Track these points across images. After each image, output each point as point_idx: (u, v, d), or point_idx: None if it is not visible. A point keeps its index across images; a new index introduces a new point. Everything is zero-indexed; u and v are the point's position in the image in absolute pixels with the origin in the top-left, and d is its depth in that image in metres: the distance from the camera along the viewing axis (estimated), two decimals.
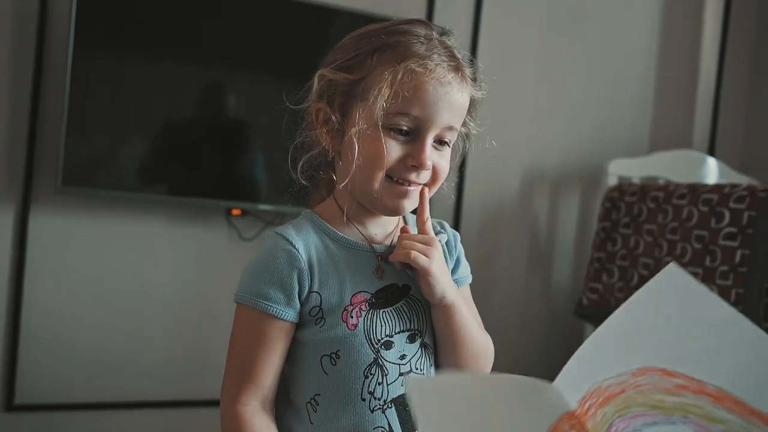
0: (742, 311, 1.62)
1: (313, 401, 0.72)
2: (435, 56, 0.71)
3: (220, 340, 2.05)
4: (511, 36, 2.18)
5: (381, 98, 0.68)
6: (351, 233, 0.75)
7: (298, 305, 0.71)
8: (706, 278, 1.61)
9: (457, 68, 0.73)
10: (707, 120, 2.46)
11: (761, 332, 0.47)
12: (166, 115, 1.72)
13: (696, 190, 1.75)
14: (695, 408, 0.48)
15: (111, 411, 1.80)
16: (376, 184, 0.71)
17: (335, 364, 0.71)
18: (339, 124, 0.73)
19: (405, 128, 0.71)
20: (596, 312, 1.95)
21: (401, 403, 0.71)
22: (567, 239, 2.28)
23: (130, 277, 1.81)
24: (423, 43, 0.71)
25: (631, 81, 2.37)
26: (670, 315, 0.49)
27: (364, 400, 0.70)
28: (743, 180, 2.23)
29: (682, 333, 0.49)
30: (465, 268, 0.84)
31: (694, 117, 2.44)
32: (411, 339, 0.73)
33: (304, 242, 0.72)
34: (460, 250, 0.84)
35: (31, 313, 1.72)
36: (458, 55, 0.74)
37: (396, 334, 0.72)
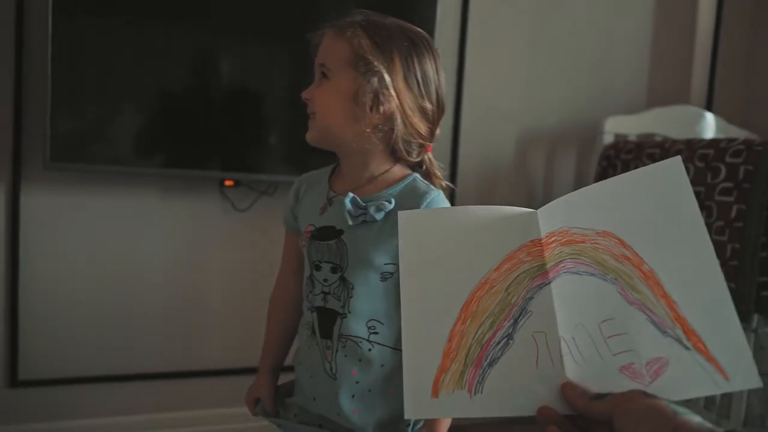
0: (737, 266, 1.62)
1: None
2: (332, 26, 0.91)
3: (216, 311, 2.07)
4: None
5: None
6: (334, 181, 0.97)
7: (292, 220, 1.00)
8: None
9: (336, 28, 0.90)
10: (705, 75, 2.42)
11: (713, 259, 0.57)
12: (155, 86, 1.69)
13: (692, 145, 1.73)
14: (626, 276, 0.59)
15: (111, 383, 1.82)
16: None
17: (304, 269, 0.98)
18: None
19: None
20: None
21: (322, 312, 0.93)
22: None
23: (125, 250, 1.80)
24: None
25: (628, 36, 2.33)
26: (651, 200, 0.60)
27: (305, 300, 0.96)
28: (742, 134, 2.21)
29: (650, 218, 0.59)
30: None
31: (691, 72, 2.40)
32: (333, 270, 0.92)
33: (308, 177, 1.01)
34: None
35: (28, 290, 1.73)
36: (346, 19, 0.91)
37: (323, 262, 0.93)
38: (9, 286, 1.71)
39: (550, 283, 0.61)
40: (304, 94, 0.91)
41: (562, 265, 0.61)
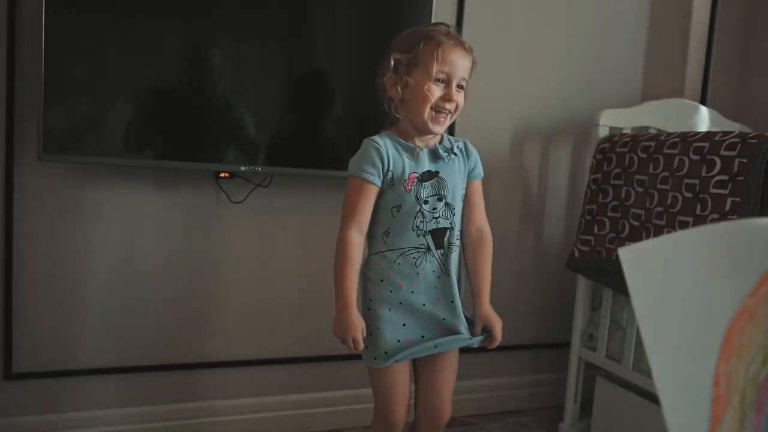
0: None
1: (386, 232, 1.33)
2: (452, 41, 1.30)
3: (213, 303, 2.06)
4: None
5: (434, 67, 1.27)
6: (408, 141, 1.34)
7: (382, 177, 1.30)
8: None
9: (462, 45, 1.32)
10: (699, 69, 2.43)
11: None
12: (149, 77, 1.68)
13: (687, 138, 1.74)
14: None
15: (105, 376, 1.82)
16: (426, 114, 1.29)
17: (399, 211, 1.30)
18: (404, 82, 1.30)
19: (442, 78, 1.29)
20: (588, 264, 1.95)
21: (435, 231, 1.31)
22: (559, 193, 2.28)
23: (119, 242, 1.80)
24: (445, 35, 1.30)
25: (623, 30, 2.33)
26: None
27: (413, 230, 1.30)
28: (736, 128, 2.21)
29: None
30: (479, 169, 1.41)
31: (686, 66, 2.41)
32: (439, 200, 1.32)
33: (384, 143, 1.31)
34: (476, 156, 1.41)
35: (22, 282, 1.72)
36: (462, 39, 1.34)
37: (430, 197, 1.31)
38: (3, 277, 1.70)
39: None
40: (455, 97, 1.29)
41: None
